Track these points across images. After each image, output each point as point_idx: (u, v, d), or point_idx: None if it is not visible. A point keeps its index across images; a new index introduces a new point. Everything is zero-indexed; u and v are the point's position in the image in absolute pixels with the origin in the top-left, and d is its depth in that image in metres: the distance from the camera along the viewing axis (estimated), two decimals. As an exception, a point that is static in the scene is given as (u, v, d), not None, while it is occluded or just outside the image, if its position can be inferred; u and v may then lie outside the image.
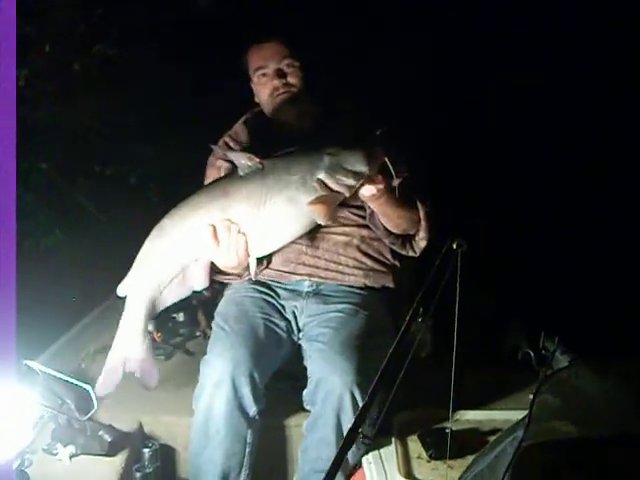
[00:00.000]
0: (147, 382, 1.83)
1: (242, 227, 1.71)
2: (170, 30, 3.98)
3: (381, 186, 1.77)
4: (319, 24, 3.78)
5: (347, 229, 2.13)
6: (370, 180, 1.74)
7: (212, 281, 2.13)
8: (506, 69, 4.03)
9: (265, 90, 2.10)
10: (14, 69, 1.52)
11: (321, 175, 1.71)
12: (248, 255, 1.76)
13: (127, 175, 4.12)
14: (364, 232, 2.13)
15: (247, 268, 1.83)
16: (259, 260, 1.91)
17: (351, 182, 1.71)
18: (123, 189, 4.11)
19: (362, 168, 1.71)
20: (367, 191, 1.78)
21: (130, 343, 1.77)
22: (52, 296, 3.18)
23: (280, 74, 2.07)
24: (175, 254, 1.75)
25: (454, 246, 1.55)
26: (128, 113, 4.04)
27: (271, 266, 2.17)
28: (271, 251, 1.88)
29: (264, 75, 2.09)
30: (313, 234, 2.11)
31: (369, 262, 2.14)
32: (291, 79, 2.07)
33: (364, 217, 2.12)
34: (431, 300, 1.50)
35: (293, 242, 2.10)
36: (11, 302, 1.65)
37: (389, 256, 2.17)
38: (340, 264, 2.13)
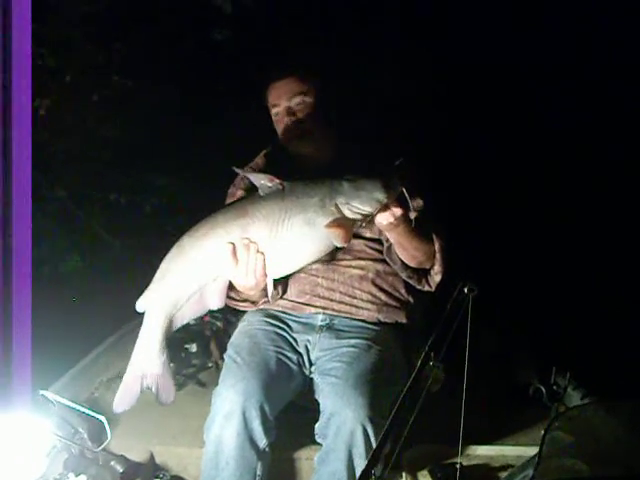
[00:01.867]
0: (164, 398, 1.84)
1: (260, 246, 1.75)
2: (186, 62, 4.06)
3: (399, 214, 1.80)
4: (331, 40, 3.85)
5: (362, 262, 2.14)
6: (387, 208, 1.78)
7: (229, 307, 2.16)
8: (520, 97, 4.07)
9: (280, 127, 2.15)
10: (30, 100, 1.56)
11: (339, 200, 1.75)
12: (265, 275, 1.79)
13: (142, 204, 4.18)
14: (379, 266, 2.15)
15: (264, 290, 1.87)
16: (275, 282, 1.94)
17: (368, 209, 1.76)
18: (138, 218, 4.16)
19: (380, 196, 1.75)
20: (384, 219, 1.81)
21: (148, 359, 1.79)
22: (69, 321, 3.21)
23: (290, 112, 2.11)
24: (194, 272, 1.78)
25: (465, 290, 1.57)
26: (144, 143, 4.11)
27: (286, 297, 2.18)
28: (288, 272, 1.90)
29: (277, 113, 2.14)
30: (329, 266, 2.14)
31: (383, 297, 2.15)
32: (301, 116, 2.11)
33: (380, 251, 2.14)
34: (443, 344, 1.52)
35: (309, 274, 2.14)
36: (27, 335, 1.68)
37: (403, 291, 2.18)
38: (355, 297, 2.14)
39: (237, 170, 1.99)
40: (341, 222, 1.74)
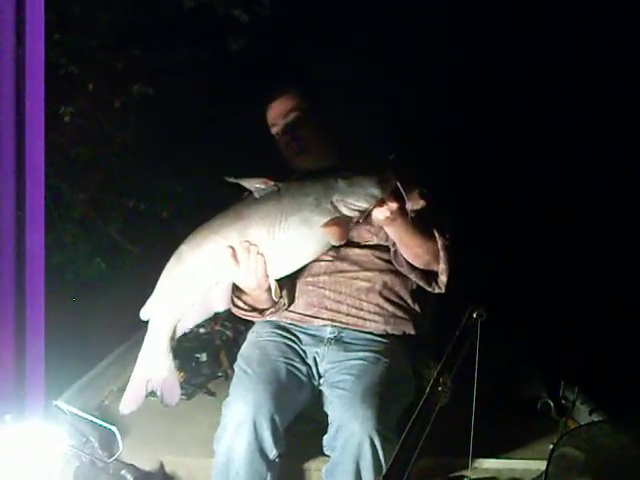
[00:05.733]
0: (168, 400, 1.90)
1: (260, 248, 1.78)
2: (204, 70, 4.10)
3: (395, 208, 1.80)
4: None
5: (369, 274, 2.15)
6: (383, 203, 1.79)
7: (239, 317, 2.19)
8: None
9: (281, 145, 2.20)
10: (42, 105, 1.58)
11: (335, 197, 1.77)
12: (267, 276, 1.82)
13: (159, 210, 4.22)
14: (386, 278, 2.15)
15: (269, 292, 1.91)
16: (281, 288, 1.99)
17: (364, 204, 1.77)
18: (155, 224, 4.21)
19: (375, 191, 1.76)
20: (381, 214, 1.81)
21: (153, 364, 1.84)
22: (83, 328, 3.25)
23: (287, 130, 2.15)
24: (193, 278, 1.81)
25: (475, 315, 1.58)
26: (163, 150, 4.15)
27: (294, 309, 2.19)
28: (289, 272, 1.91)
29: (277, 132, 2.19)
30: (336, 278, 2.15)
31: (390, 308, 2.15)
32: (300, 132, 2.14)
33: (387, 261, 2.14)
34: (452, 369, 1.52)
35: (316, 286, 2.15)
36: (40, 343, 1.71)
37: (411, 302, 2.18)
38: (362, 309, 2.14)
39: (228, 179, 2.02)
40: (337, 220, 1.76)
